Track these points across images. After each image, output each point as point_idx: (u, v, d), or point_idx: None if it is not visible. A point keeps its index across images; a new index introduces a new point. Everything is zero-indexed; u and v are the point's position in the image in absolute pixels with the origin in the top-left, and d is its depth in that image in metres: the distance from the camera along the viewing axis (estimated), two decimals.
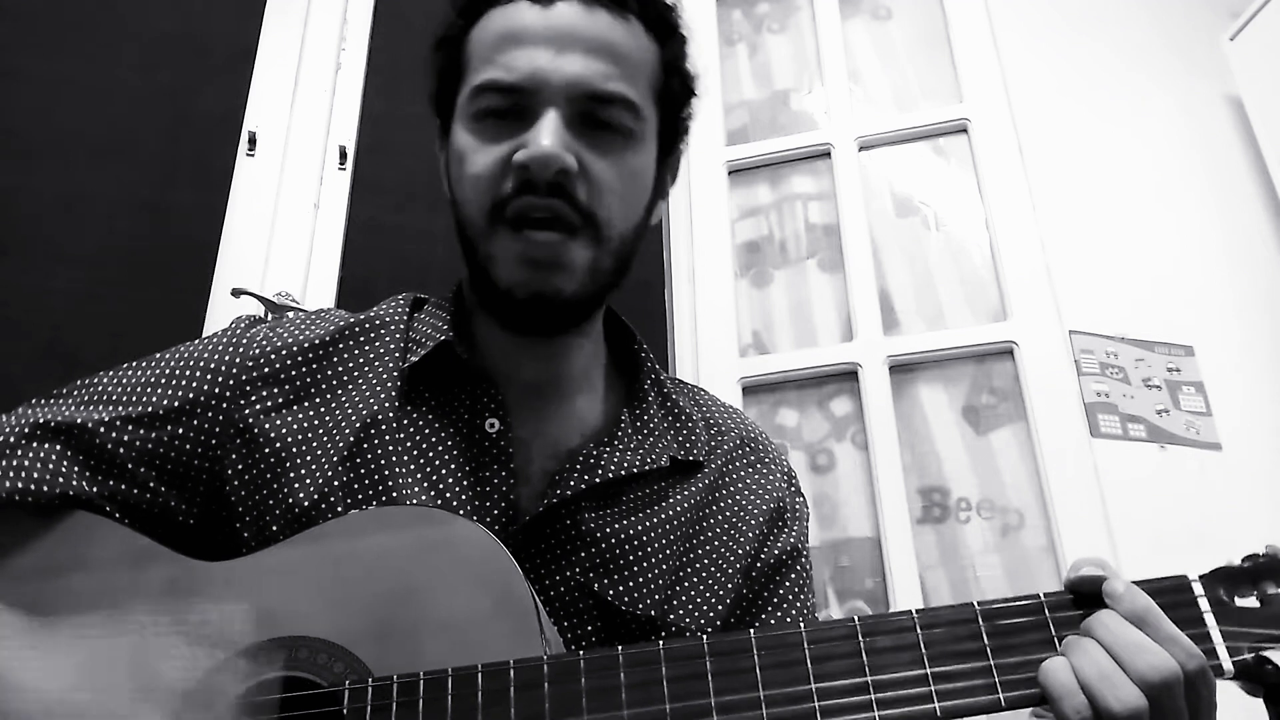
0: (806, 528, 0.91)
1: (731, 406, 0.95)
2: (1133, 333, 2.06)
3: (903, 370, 1.99)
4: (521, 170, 0.73)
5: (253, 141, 2.03)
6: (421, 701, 0.61)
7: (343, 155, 2.08)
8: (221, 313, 1.85)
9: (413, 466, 0.77)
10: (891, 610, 1.49)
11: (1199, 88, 2.34)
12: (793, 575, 0.86)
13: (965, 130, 2.14)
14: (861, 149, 2.19)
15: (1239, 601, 0.63)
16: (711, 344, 2.06)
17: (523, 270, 0.74)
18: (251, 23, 2.15)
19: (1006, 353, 1.95)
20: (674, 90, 0.84)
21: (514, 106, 0.76)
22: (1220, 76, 2.31)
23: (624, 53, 0.78)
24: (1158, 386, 2.01)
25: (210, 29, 2.17)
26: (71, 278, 1.88)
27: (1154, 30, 2.41)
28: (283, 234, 1.97)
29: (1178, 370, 2.03)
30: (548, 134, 0.73)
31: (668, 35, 0.83)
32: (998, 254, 2.01)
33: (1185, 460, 1.94)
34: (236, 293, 1.79)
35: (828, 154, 2.20)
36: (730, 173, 2.24)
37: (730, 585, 0.82)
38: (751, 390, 2.04)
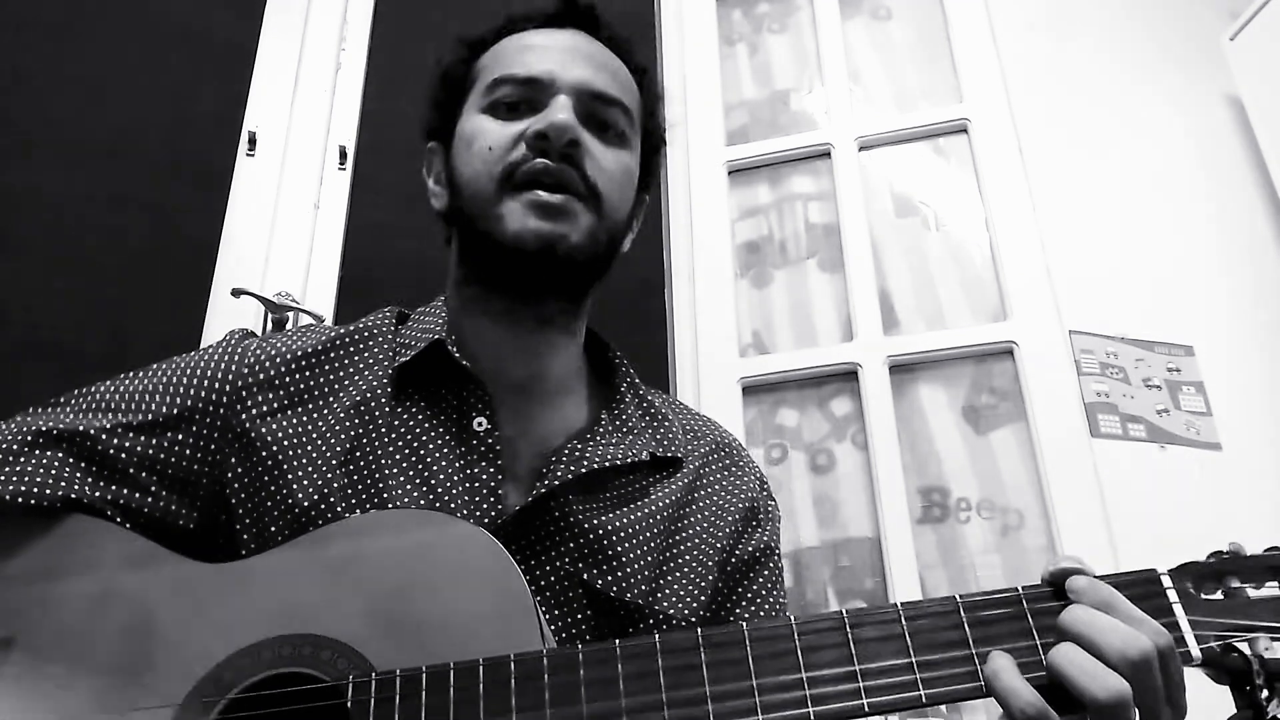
0: (778, 528, 0.95)
1: (705, 416, 1.00)
2: (1133, 333, 2.06)
3: (903, 370, 1.99)
4: (537, 138, 0.81)
5: (253, 141, 2.03)
6: (424, 694, 0.62)
7: (343, 155, 2.08)
8: (221, 313, 1.84)
9: (405, 465, 0.79)
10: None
11: (1199, 87, 2.34)
12: (765, 572, 0.90)
13: (965, 130, 2.14)
14: (861, 149, 2.19)
15: (1205, 595, 0.66)
16: (711, 344, 2.06)
17: (532, 217, 0.79)
18: (251, 23, 2.15)
19: (1006, 353, 1.95)
20: (651, 130, 0.93)
21: (526, 99, 0.84)
22: (1220, 76, 2.31)
23: (618, 73, 0.90)
24: (1158, 386, 2.01)
25: (210, 29, 2.17)
26: (71, 278, 1.88)
27: (1154, 30, 2.41)
28: (283, 234, 1.97)
29: (1178, 370, 2.03)
30: (562, 109, 0.82)
31: (646, 82, 0.94)
32: (998, 254, 2.01)
33: (1185, 460, 1.94)
34: (236, 293, 1.79)
35: (828, 154, 2.20)
36: (730, 173, 2.24)
37: (710, 578, 0.85)
38: (751, 390, 2.04)
